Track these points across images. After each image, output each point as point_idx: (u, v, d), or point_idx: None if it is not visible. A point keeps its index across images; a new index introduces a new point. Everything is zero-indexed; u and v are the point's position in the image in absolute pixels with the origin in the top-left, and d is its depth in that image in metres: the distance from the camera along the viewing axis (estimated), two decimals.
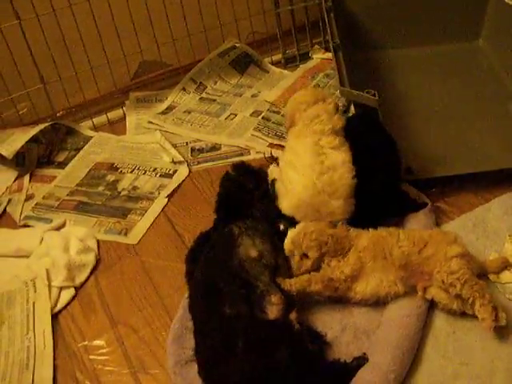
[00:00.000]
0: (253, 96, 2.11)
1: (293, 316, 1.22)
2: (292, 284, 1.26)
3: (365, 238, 1.31)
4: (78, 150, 1.95)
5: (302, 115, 1.48)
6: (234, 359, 1.13)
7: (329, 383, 1.15)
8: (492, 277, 1.33)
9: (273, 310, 1.21)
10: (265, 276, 1.25)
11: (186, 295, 1.36)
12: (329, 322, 1.29)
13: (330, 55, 2.14)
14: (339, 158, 1.39)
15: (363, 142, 1.46)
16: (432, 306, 1.28)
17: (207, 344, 1.19)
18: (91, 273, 1.53)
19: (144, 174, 1.82)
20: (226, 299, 1.20)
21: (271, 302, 1.22)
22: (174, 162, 1.84)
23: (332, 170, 1.37)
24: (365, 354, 1.20)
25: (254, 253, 1.26)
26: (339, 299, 1.30)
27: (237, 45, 2.26)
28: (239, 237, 1.29)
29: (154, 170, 1.83)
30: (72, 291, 1.48)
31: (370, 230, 1.34)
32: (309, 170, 1.37)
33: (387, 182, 1.44)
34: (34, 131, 1.87)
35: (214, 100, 2.12)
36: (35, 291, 1.47)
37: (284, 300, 1.23)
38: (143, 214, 1.67)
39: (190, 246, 1.43)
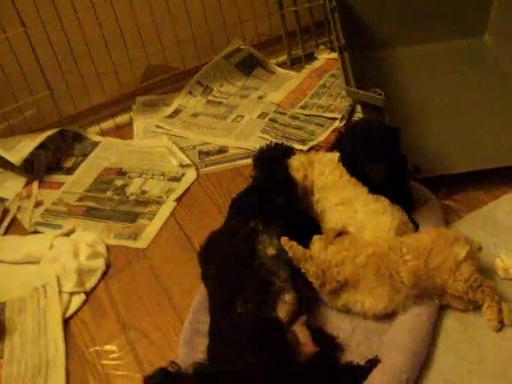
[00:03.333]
0: (259, 98, 2.11)
1: (301, 320, 1.21)
2: (292, 247, 1.26)
3: (364, 255, 1.26)
4: (85, 155, 1.96)
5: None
6: (237, 358, 1.14)
7: None
8: (501, 272, 1.33)
9: (283, 309, 1.21)
10: (284, 271, 1.25)
11: (197, 298, 1.36)
12: (339, 323, 1.29)
13: (335, 55, 2.14)
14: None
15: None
16: (442, 304, 1.27)
17: (217, 341, 1.20)
18: (101, 278, 1.53)
19: (152, 178, 1.82)
20: (240, 297, 1.20)
21: (284, 299, 1.22)
22: (181, 166, 1.84)
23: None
24: (377, 356, 1.19)
25: (271, 251, 1.27)
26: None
27: (242, 47, 2.26)
28: (259, 234, 1.29)
29: (162, 173, 1.83)
30: (82, 296, 1.49)
31: (369, 243, 1.31)
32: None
33: (392, 175, 1.44)
34: (41, 138, 1.88)
35: (221, 102, 2.12)
36: (46, 297, 1.47)
37: (296, 300, 1.23)
38: (152, 218, 1.68)
39: (201, 246, 1.41)
